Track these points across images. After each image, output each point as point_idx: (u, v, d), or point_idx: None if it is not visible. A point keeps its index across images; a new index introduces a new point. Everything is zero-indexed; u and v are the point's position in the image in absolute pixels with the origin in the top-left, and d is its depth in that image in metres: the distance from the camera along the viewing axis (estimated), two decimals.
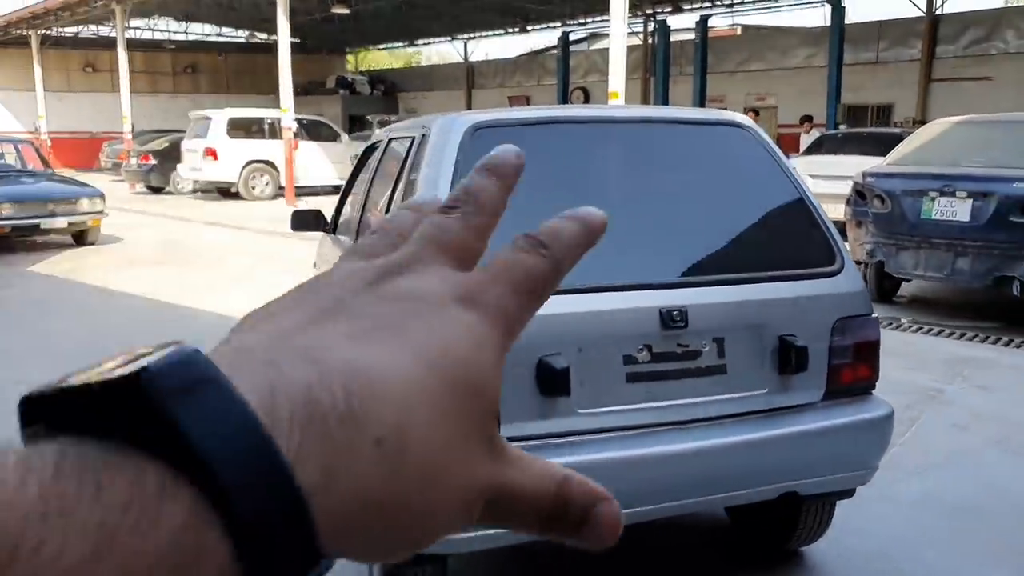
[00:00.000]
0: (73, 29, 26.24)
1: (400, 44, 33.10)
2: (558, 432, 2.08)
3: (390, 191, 2.75)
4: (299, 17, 20.26)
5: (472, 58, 29.51)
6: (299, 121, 16.65)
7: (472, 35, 28.30)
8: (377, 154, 3.37)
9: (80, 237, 10.44)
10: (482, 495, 0.26)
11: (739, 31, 24.97)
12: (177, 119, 27.16)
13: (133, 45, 25.16)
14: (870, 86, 18.95)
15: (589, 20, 23.67)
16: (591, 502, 0.29)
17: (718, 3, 21.10)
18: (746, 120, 2.57)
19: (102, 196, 10.39)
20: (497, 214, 0.32)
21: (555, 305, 2.07)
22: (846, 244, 2.53)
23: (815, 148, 10.83)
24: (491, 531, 2.03)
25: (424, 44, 32.92)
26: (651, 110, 2.69)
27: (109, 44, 24.66)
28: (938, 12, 18.38)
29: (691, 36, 20.33)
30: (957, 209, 5.97)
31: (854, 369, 2.33)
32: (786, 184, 2.44)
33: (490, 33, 27.91)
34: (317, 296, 0.28)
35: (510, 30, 27.07)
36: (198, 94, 30.27)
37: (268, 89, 28.33)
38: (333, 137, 17.68)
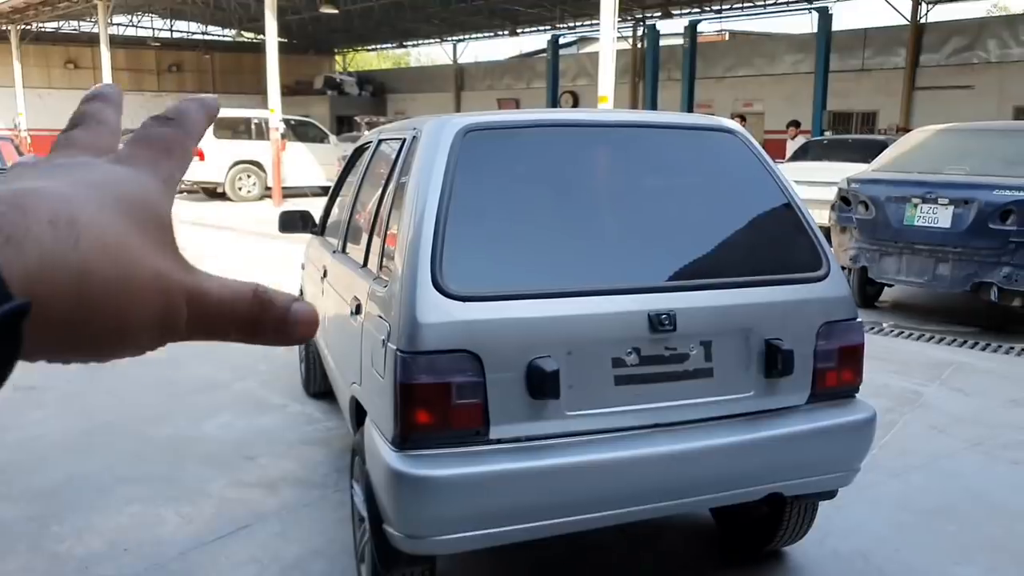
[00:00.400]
0: (54, 25, 25.95)
1: (389, 45, 33.04)
2: (547, 434, 2.11)
3: (380, 193, 2.76)
4: (287, 16, 20.20)
5: (461, 60, 29.50)
6: (286, 122, 16.59)
7: (461, 37, 28.29)
8: (366, 156, 3.39)
9: None
10: (179, 292, 0.32)
11: (727, 37, 25.14)
12: None
13: (116, 42, 24.96)
14: (855, 93, 19.13)
15: (578, 24, 23.73)
16: (288, 300, 0.35)
17: (707, 8, 21.24)
18: (736, 126, 2.61)
19: None
20: (116, 125, 0.38)
21: (545, 308, 2.10)
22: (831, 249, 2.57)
23: (801, 154, 10.92)
24: (477, 532, 2.05)
25: (413, 45, 32.86)
26: (642, 115, 2.72)
27: (91, 40, 24.47)
28: (922, 21, 18.60)
29: (680, 41, 20.44)
30: (939, 216, 6.05)
31: (839, 373, 2.37)
32: (775, 190, 2.48)
33: (479, 35, 27.92)
34: (20, 168, 0.33)
35: (499, 33, 27.10)
36: (184, 93, 29.98)
37: (255, 89, 28.20)
38: (321, 138, 17.62)
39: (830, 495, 2.57)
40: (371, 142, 3.39)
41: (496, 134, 2.34)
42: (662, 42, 20.27)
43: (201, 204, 16.12)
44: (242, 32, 28.94)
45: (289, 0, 18.28)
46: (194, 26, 28.91)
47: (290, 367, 5.09)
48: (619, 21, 12.87)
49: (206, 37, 30.06)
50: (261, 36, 20.75)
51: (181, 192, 17.82)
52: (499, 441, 2.07)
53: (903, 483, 3.49)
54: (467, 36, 28.11)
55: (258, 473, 3.58)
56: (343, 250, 3.26)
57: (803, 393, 2.35)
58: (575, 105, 22.49)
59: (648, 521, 2.48)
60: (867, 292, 6.97)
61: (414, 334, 2.01)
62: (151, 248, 0.32)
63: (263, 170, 16.47)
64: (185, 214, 14.19)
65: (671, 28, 21.70)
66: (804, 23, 28.38)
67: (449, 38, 28.55)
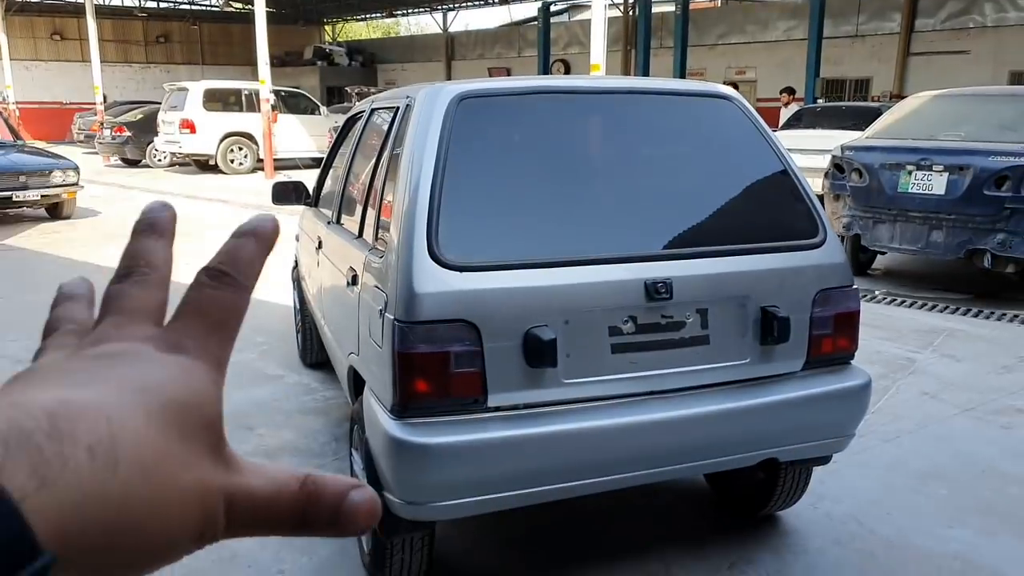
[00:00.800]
0: None
1: (378, 14, 32.60)
2: (544, 402, 2.12)
3: (373, 163, 2.75)
4: None
5: (452, 29, 29.15)
6: (277, 93, 16.42)
7: (452, 5, 27.93)
8: (359, 125, 3.36)
9: (55, 210, 10.28)
10: (217, 498, 0.29)
11: (720, 3, 24.87)
12: (150, 90, 26.67)
13: (103, 12, 24.58)
14: (848, 60, 19.01)
15: None
16: (343, 490, 0.32)
17: None
18: (732, 92, 2.59)
19: (76, 168, 10.20)
20: (166, 266, 0.35)
21: (542, 278, 2.10)
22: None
23: (794, 122, 10.87)
24: (475, 498, 2.08)
25: (403, 14, 32.45)
26: (639, 81, 2.70)
27: (78, 11, 24.05)
28: None
29: (672, 8, 20.21)
30: (933, 182, 6.05)
31: (834, 339, 2.38)
32: (771, 156, 2.48)
33: (470, 3, 27.55)
34: (27, 375, 0.30)
35: (490, 0, 26.74)
36: (172, 64, 29.69)
37: (244, 60, 27.86)
38: (311, 109, 17.46)
39: (824, 460, 2.60)
40: (363, 111, 3.36)
41: (491, 102, 2.32)
42: (654, 9, 20.04)
43: (194, 177, 16.00)
44: (230, 2, 28.51)
45: None
46: None
47: (287, 338, 5.09)
48: None
49: (193, 7, 29.60)
50: (249, 6, 20.42)
51: (172, 165, 17.71)
52: (497, 409, 2.09)
53: (896, 447, 3.54)
54: (457, 4, 27.74)
55: (256, 443, 3.60)
56: (337, 221, 3.25)
57: (799, 360, 2.36)
58: (567, 73, 22.29)
59: (643, 486, 2.51)
60: (860, 260, 6.99)
61: (411, 304, 2.01)
62: (194, 457, 0.29)
63: (255, 142, 16.34)
64: (178, 187, 14.10)
65: None
66: None
67: (439, 6, 28.18)
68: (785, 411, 2.32)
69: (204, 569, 2.62)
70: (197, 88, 16.30)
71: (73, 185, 10.14)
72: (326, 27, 34.16)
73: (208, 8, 30.01)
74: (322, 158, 4.24)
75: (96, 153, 18.92)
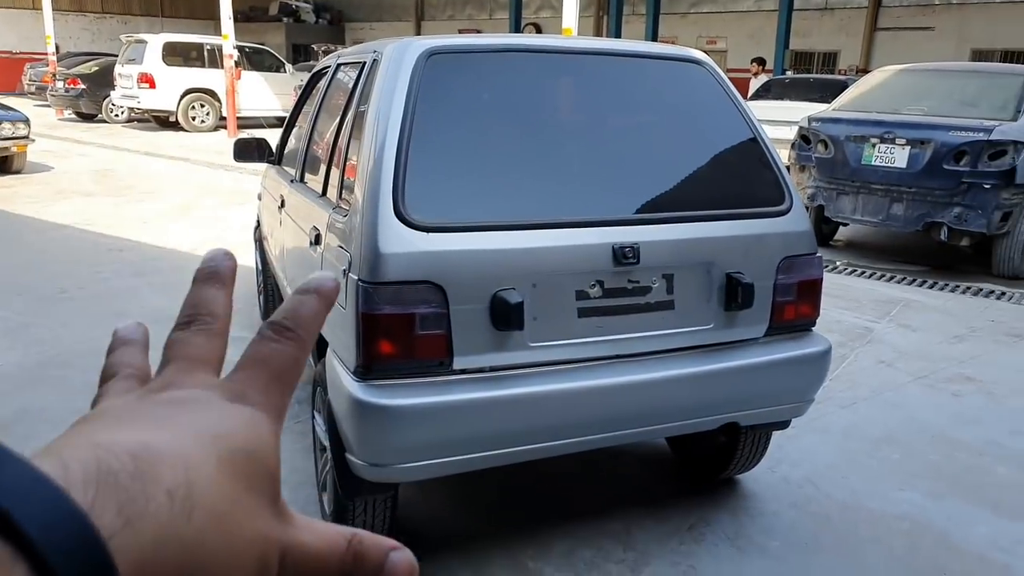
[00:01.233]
0: None
1: None
2: (511, 364, 2.12)
3: (338, 120, 2.68)
4: None
5: None
6: (241, 49, 15.97)
7: None
8: (324, 82, 3.27)
9: (3, 165, 9.91)
10: (275, 550, 0.30)
11: None
12: (106, 42, 25.78)
13: None
14: (817, 33, 19.09)
15: None
16: (384, 551, 0.33)
17: None
18: (704, 57, 2.57)
19: (26, 121, 9.84)
20: (227, 316, 0.37)
21: (510, 240, 2.08)
22: None
23: (763, 92, 10.91)
24: (439, 460, 2.08)
25: None
26: (611, 43, 2.66)
27: None
28: None
29: None
30: (895, 155, 6.14)
31: (797, 306, 2.41)
32: (740, 123, 2.47)
33: None
34: (98, 417, 0.32)
35: None
36: (129, 16, 28.67)
37: (206, 14, 27.04)
38: (277, 67, 17.04)
39: (784, 425, 2.65)
40: (329, 66, 3.27)
41: (461, 58, 2.27)
42: None
43: (153, 133, 15.57)
44: None
45: None
46: None
47: (248, 300, 5.01)
48: None
49: None
50: None
51: (130, 120, 17.21)
52: (463, 371, 2.08)
53: (852, 414, 3.62)
54: None
55: None
56: (301, 179, 3.18)
57: (761, 326, 2.39)
58: None
59: (605, 449, 2.53)
60: (823, 231, 7.09)
61: (376, 264, 1.98)
62: (257, 507, 0.30)
63: (217, 99, 15.93)
64: (136, 144, 13.71)
65: None
66: None
67: None
68: (747, 376, 2.35)
69: None
70: (156, 41, 15.78)
71: (23, 139, 9.79)
72: None
73: None
74: (286, 117, 4.14)
75: (48, 106, 18.28)
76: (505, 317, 2.04)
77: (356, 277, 2.02)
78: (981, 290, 5.85)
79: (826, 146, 6.57)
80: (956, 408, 3.73)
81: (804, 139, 6.83)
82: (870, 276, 6.20)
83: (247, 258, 5.64)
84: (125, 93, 15.82)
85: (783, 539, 2.64)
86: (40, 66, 21.07)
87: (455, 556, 2.50)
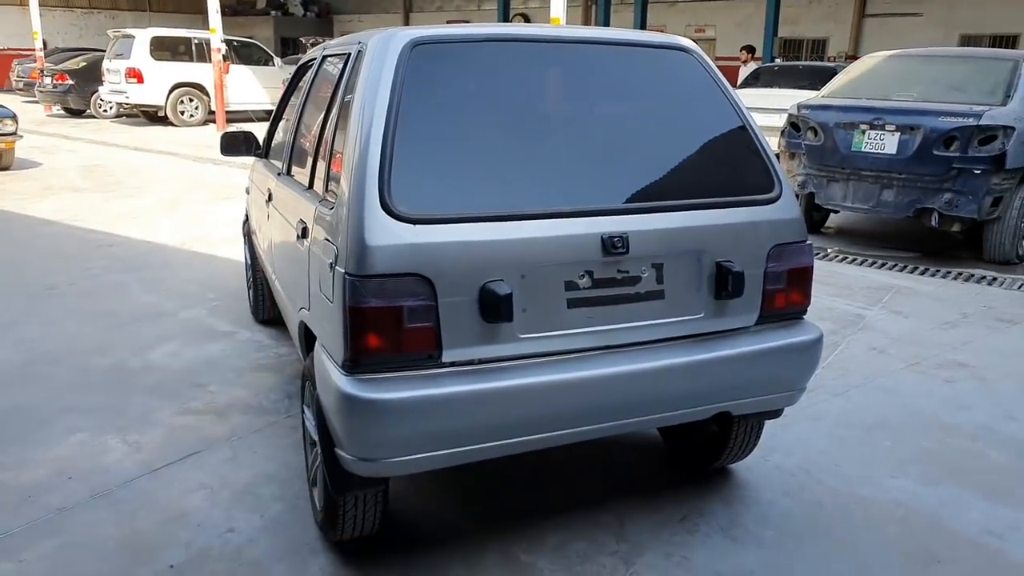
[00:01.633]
0: None
1: None
2: (500, 356, 2.10)
3: (324, 112, 2.65)
4: None
5: None
6: (229, 43, 15.86)
7: None
8: (310, 74, 3.24)
9: None
10: None
11: None
12: (93, 37, 25.54)
13: None
14: (806, 20, 19.07)
15: None
16: None
17: None
18: (692, 44, 2.55)
19: (14, 117, 9.77)
20: None
21: (498, 231, 2.06)
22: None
23: (752, 80, 10.89)
24: (429, 454, 2.06)
25: None
26: (597, 31, 2.64)
27: None
28: None
29: None
30: (885, 142, 6.13)
31: (788, 294, 2.40)
32: (729, 110, 2.45)
33: None
34: None
35: None
36: (117, 11, 28.38)
37: (193, 8, 26.80)
38: (265, 60, 16.93)
39: (776, 414, 2.64)
40: (315, 58, 3.24)
41: (446, 48, 2.24)
42: None
43: (142, 128, 15.46)
44: None
45: None
46: None
47: (238, 295, 4.98)
48: None
49: None
50: None
51: (119, 116, 17.08)
52: (452, 364, 2.06)
53: (844, 401, 3.62)
54: None
55: (207, 400, 3.53)
56: (288, 172, 3.15)
57: (752, 315, 2.38)
58: None
59: (597, 440, 2.52)
60: (814, 218, 7.09)
61: (363, 257, 1.96)
62: None
63: (206, 94, 15.82)
64: (125, 139, 13.61)
65: None
66: None
67: None
68: (738, 365, 2.33)
69: (152, 530, 2.58)
70: (144, 35, 15.65)
71: (11, 135, 9.72)
72: None
73: None
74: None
75: (37, 102, 18.13)
76: (494, 309, 2.02)
77: (343, 270, 2.00)
78: (972, 276, 5.86)
79: (816, 133, 6.56)
80: (948, 394, 3.73)
81: (794, 126, 6.82)
82: (861, 263, 6.20)
83: (237, 253, 5.60)
84: (113, 88, 15.70)
85: (777, 528, 2.64)
86: (28, 62, 20.87)
87: (447, 550, 2.49)
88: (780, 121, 7.22)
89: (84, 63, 17.10)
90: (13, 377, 3.79)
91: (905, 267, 6.09)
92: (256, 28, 26.12)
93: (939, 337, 4.50)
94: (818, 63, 13.17)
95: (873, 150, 6.20)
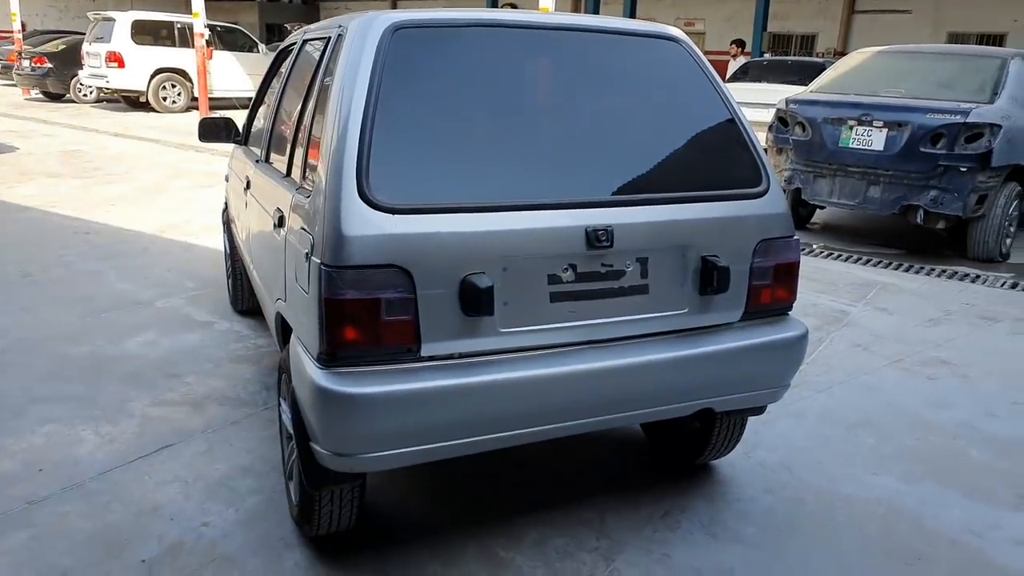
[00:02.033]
0: None
1: None
2: (480, 351, 2.05)
3: (302, 97, 2.59)
4: None
5: None
6: (212, 28, 15.65)
7: None
8: (290, 58, 3.17)
9: None
10: None
11: None
12: (73, 20, 25.18)
13: None
14: (795, 16, 19.08)
15: None
16: None
17: None
18: (680, 34, 2.50)
19: None
20: None
21: (480, 223, 2.01)
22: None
23: (740, 75, 10.88)
24: (406, 449, 2.01)
25: None
26: (585, 18, 2.58)
27: None
28: None
29: None
30: (873, 138, 6.12)
31: (773, 290, 2.37)
32: (717, 102, 2.41)
33: None
34: None
35: None
36: None
37: None
38: (249, 47, 16.73)
39: (760, 411, 2.61)
40: (296, 43, 3.16)
41: (429, 33, 2.18)
42: None
43: (123, 114, 15.24)
44: None
45: None
46: None
47: (217, 284, 4.90)
48: None
49: None
50: None
51: (99, 100, 16.84)
52: (431, 358, 2.01)
53: (828, 398, 3.61)
54: None
55: (183, 391, 3.46)
56: (266, 159, 3.08)
57: (737, 310, 2.34)
58: None
59: (579, 436, 2.49)
60: (800, 214, 7.08)
61: (339, 247, 1.90)
62: None
63: (189, 79, 15.61)
64: (106, 124, 13.40)
65: None
66: None
67: None
68: (722, 361, 2.30)
69: (124, 523, 2.52)
70: (125, 19, 15.40)
71: None
72: None
73: None
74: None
75: (14, 85, 17.84)
76: (475, 302, 1.97)
77: (319, 261, 1.94)
78: (956, 273, 5.87)
79: (803, 128, 6.55)
80: (931, 391, 3.72)
81: (782, 121, 6.80)
82: (846, 259, 6.21)
83: (217, 242, 5.52)
84: (93, 72, 15.45)
85: (758, 525, 2.62)
86: (5, 44, 20.52)
87: (424, 546, 2.45)
88: (768, 116, 7.20)
89: (63, 46, 16.81)
90: None
91: (890, 264, 6.09)
92: (241, 14, 25.87)
93: (922, 334, 4.50)
94: (807, 59, 13.19)
95: (860, 146, 6.19)
